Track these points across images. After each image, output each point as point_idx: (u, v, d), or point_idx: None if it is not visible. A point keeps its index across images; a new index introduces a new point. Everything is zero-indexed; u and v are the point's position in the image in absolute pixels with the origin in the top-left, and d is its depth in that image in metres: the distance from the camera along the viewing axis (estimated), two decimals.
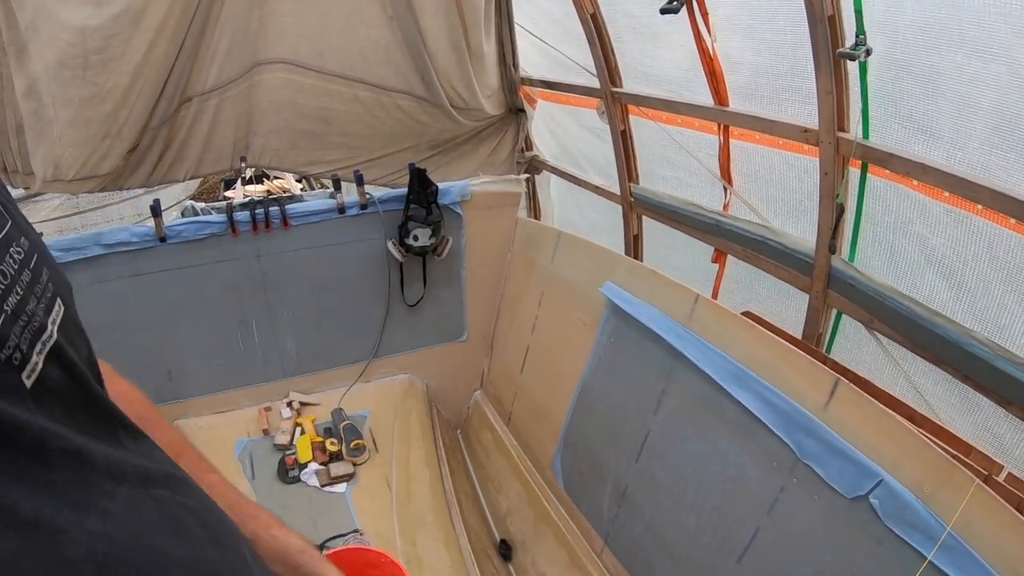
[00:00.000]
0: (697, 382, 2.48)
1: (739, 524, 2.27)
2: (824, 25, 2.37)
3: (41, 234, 0.65)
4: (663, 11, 2.91)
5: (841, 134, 2.54)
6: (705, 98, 3.17)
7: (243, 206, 3.48)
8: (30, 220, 0.62)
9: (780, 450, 2.12)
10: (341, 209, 3.60)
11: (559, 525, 3.13)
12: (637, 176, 3.97)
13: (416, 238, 3.57)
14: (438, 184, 3.62)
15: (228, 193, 8.63)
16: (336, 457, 3.50)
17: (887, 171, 2.46)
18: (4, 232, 0.54)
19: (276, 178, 9.19)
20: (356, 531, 3.07)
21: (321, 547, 3.00)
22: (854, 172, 2.61)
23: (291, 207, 3.54)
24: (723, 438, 2.37)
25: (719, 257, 3.49)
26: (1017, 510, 1.56)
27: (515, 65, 4.58)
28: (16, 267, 0.53)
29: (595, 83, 3.91)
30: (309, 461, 3.46)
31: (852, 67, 2.43)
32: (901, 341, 2.56)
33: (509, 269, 3.98)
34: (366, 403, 3.87)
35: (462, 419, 4.25)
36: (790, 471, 2.10)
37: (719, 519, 2.36)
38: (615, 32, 3.64)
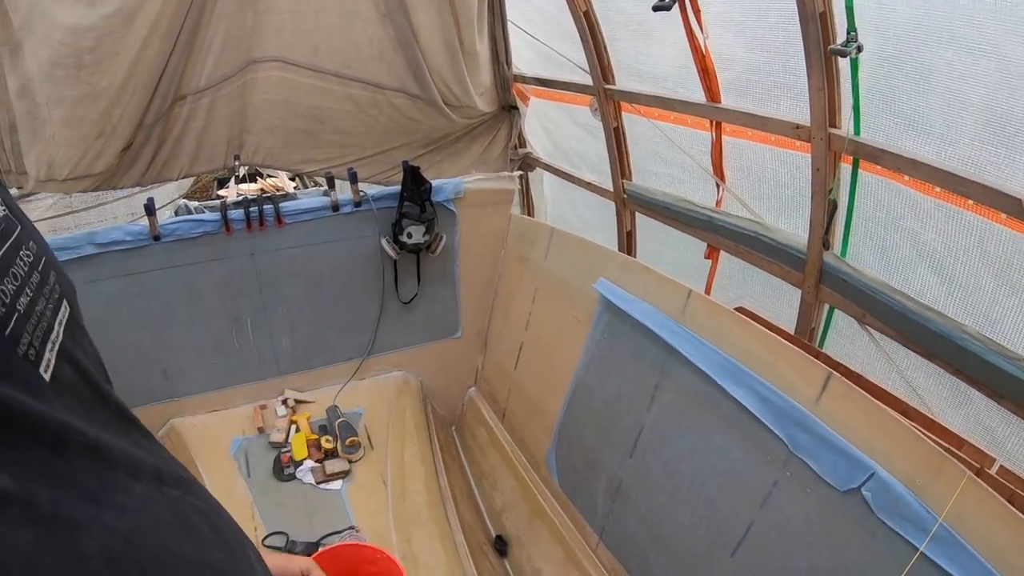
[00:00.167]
0: (690, 377, 2.49)
1: (733, 518, 2.29)
2: (815, 22, 2.38)
3: None
4: (655, 8, 2.92)
5: (833, 130, 2.55)
6: (697, 95, 3.18)
7: (237, 204, 3.48)
8: None
9: (773, 444, 2.14)
10: (335, 207, 3.60)
11: (554, 520, 3.14)
12: (630, 173, 3.99)
13: (410, 235, 3.57)
14: (432, 181, 3.63)
15: (221, 192, 8.60)
16: (331, 454, 3.50)
17: (879, 167, 2.48)
18: (15, 236, 0.55)
19: (270, 176, 9.16)
20: (352, 528, 3.08)
21: (317, 544, 3.02)
22: (846, 168, 2.62)
23: (285, 205, 3.54)
24: (716, 433, 2.38)
25: (712, 253, 3.50)
26: (1009, 502, 1.58)
27: (508, 62, 4.59)
28: (26, 270, 0.54)
29: (588, 80, 3.92)
30: (304, 459, 3.46)
31: (843, 64, 2.44)
32: (893, 336, 2.58)
33: (503, 266, 3.99)
34: (361, 400, 3.88)
35: (456, 416, 4.26)
36: (783, 465, 2.11)
37: (713, 513, 2.37)
38: (608, 29, 3.65)
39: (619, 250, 4.11)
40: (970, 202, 2.18)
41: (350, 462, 3.47)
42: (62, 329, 0.57)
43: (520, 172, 4.84)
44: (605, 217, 4.29)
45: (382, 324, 3.92)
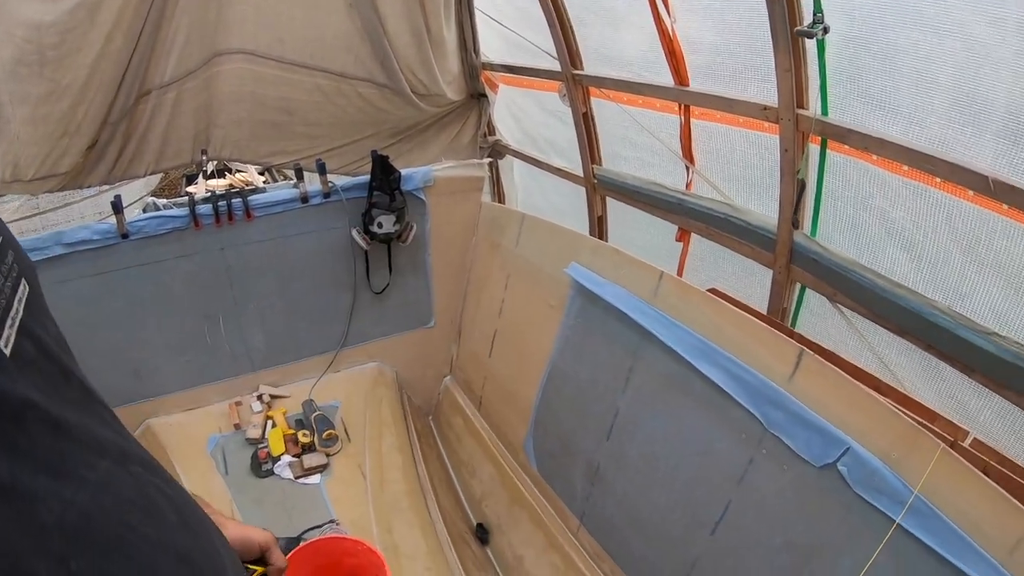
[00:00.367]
0: (664, 359, 2.51)
1: (710, 497, 2.31)
2: (782, 4, 2.39)
3: None
4: None
5: (800, 111, 2.57)
6: (666, 79, 3.19)
7: (205, 199, 3.44)
8: None
9: (748, 422, 2.16)
10: (304, 199, 3.57)
11: (534, 506, 3.16)
12: (600, 158, 3.99)
13: (380, 225, 3.55)
14: (401, 171, 3.61)
15: (190, 188, 8.49)
16: (309, 448, 3.49)
17: (847, 146, 2.50)
18: None
19: (238, 171, 9.05)
20: (332, 521, 3.07)
21: (298, 539, 3.01)
22: (814, 148, 2.64)
23: (254, 198, 3.50)
24: (692, 413, 2.40)
25: (683, 236, 3.52)
26: (984, 473, 1.61)
27: (476, 50, 4.57)
28: None
29: (556, 66, 3.92)
30: (282, 454, 3.45)
31: (811, 45, 2.46)
32: (864, 313, 2.61)
33: (474, 254, 3.98)
34: (336, 393, 3.86)
35: (433, 405, 4.26)
36: (759, 442, 2.13)
37: (691, 493, 2.40)
38: (575, 15, 3.64)
39: (590, 235, 4.11)
40: (938, 180, 2.20)
41: (328, 455, 3.46)
42: (22, 306, 0.56)
43: (490, 159, 4.83)
44: (576, 203, 4.29)
45: (355, 315, 3.90)
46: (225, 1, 4.01)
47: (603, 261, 2.91)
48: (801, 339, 2.32)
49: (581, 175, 4.13)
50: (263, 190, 4.01)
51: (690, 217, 3.34)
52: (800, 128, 2.60)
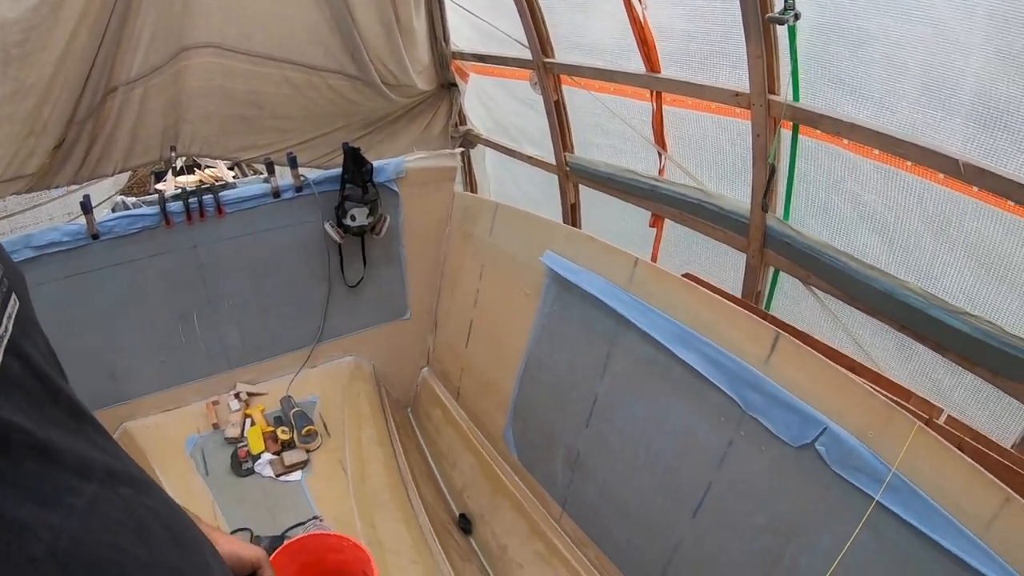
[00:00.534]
0: (641, 345, 2.52)
1: (691, 480, 2.33)
2: None
3: None
4: None
5: (772, 97, 2.59)
6: (637, 66, 3.19)
7: (175, 197, 3.39)
8: None
9: (726, 405, 2.18)
10: (276, 193, 3.55)
11: (516, 495, 3.17)
12: (572, 145, 3.99)
13: (353, 218, 3.54)
14: (373, 162, 3.60)
15: (159, 186, 8.38)
16: (289, 445, 3.47)
17: (818, 131, 2.52)
18: None
19: (208, 167, 8.96)
20: (315, 518, 3.07)
21: (282, 537, 3.00)
22: (786, 134, 2.66)
23: (225, 194, 3.47)
24: (670, 397, 2.42)
25: (656, 222, 3.53)
26: (959, 450, 1.63)
27: (446, 39, 4.55)
28: None
29: (527, 55, 3.91)
30: (262, 452, 3.43)
31: (782, 31, 2.47)
32: (838, 295, 2.64)
33: (448, 244, 3.98)
34: (314, 388, 3.85)
35: (411, 397, 4.26)
36: (737, 425, 2.15)
37: (671, 477, 2.42)
38: (546, 3, 3.63)
39: (564, 223, 4.12)
40: (908, 163, 2.23)
41: (308, 451, 3.45)
42: (11, 324, 0.54)
43: (461, 149, 4.82)
44: (548, 191, 4.29)
45: (330, 310, 3.89)
46: None
47: (577, 248, 2.92)
48: (776, 322, 2.35)
49: (553, 163, 4.13)
50: (233, 185, 3.97)
51: (663, 203, 3.35)
52: (772, 114, 2.61)
